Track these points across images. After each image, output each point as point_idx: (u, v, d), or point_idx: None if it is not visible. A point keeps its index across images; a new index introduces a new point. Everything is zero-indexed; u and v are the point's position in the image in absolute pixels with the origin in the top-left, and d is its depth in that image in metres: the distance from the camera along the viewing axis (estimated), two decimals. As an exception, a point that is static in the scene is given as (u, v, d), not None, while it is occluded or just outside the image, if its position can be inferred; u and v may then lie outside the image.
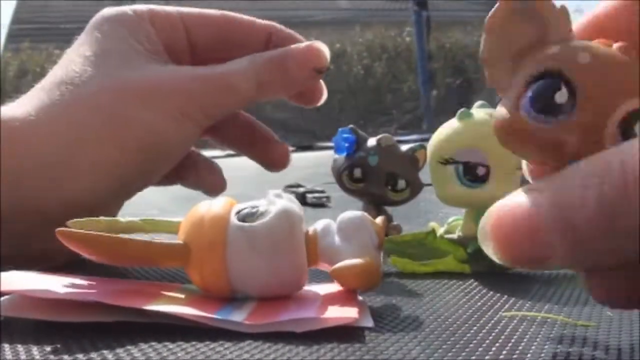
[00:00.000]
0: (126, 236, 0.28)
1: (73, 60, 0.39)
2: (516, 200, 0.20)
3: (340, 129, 0.42)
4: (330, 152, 0.44)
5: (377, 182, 0.41)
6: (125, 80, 0.38)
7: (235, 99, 0.40)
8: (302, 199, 0.72)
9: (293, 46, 0.41)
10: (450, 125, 0.37)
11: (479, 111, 0.37)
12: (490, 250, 0.21)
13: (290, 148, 0.48)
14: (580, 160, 0.19)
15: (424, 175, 0.40)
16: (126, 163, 0.37)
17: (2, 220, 0.34)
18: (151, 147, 0.37)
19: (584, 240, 0.19)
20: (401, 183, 0.41)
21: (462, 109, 0.37)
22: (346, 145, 0.42)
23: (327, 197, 0.73)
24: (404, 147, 0.42)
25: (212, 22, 0.43)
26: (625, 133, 0.20)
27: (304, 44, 0.41)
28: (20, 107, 0.37)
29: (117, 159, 0.37)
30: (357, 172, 0.41)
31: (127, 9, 0.41)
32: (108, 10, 0.41)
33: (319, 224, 0.29)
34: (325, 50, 0.40)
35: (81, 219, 0.30)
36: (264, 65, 0.40)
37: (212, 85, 0.39)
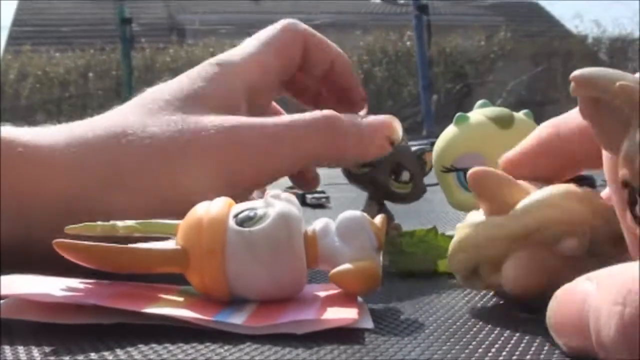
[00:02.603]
0: (123, 245, 0.28)
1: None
2: (573, 287, 0.21)
3: None
4: None
5: (383, 168, 0.41)
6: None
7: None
8: (301, 199, 0.72)
9: (370, 118, 0.40)
10: (449, 132, 0.37)
11: (476, 113, 0.37)
12: (552, 332, 0.22)
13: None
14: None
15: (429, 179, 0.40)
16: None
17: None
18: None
19: (610, 355, 0.19)
20: (405, 174, 0.41)
21: (458, 114, 0.37)
22: None
23: (327, 198, 0.72)
24: (413, 147, 0.42)
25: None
26: None
27: (381, 117, 0.40)
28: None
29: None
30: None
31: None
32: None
33: (317, 223, 0.29)
34: (398, 125, 0.40)
35: (77, 225, 0.30)
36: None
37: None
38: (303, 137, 0.37)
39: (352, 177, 0.42)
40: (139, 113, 0.37)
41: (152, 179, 0.35)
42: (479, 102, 0.38)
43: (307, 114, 0.38)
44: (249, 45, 0.42)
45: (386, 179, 0.41)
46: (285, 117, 0.39)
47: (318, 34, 0.43)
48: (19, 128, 0.36)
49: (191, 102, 0.38)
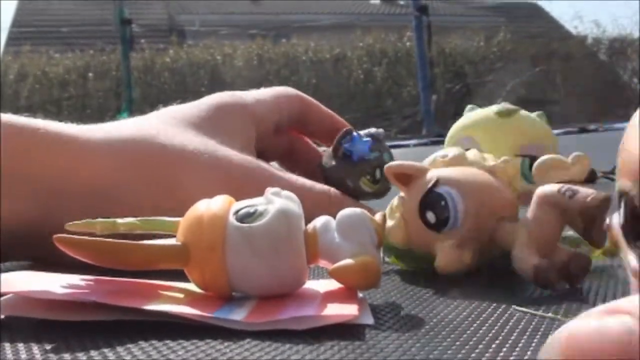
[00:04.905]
0: (124, 240, 0.28)
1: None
2: (602, 323, 0.17)
3: (355, 134, 0.42)
4: None
5: (360, 173, 0.41)
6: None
7: None
8: None
9: None
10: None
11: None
12: None
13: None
14: None
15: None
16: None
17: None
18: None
19: None
20: (377, 173, 0.42)
21: (470, 105, 0.40)
22: (368, 147, 0.41)
23: None
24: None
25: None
26: None
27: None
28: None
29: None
30: (378, 173, 0.41)
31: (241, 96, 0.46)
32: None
33: (318, 220, 0.29)
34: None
35: (78, 222, 0.30)
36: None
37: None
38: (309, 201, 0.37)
39: (366, 195, 0.42)
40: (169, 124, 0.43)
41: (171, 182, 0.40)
42: (468, 107, 0.40)
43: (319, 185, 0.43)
44: (254, 94, 0.48)
45: (361, 181, 0.41)
46: (301, 180, 0.43)
47: (309, 99, 0.49)
48: (60, 123, 0.41)
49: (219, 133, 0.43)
